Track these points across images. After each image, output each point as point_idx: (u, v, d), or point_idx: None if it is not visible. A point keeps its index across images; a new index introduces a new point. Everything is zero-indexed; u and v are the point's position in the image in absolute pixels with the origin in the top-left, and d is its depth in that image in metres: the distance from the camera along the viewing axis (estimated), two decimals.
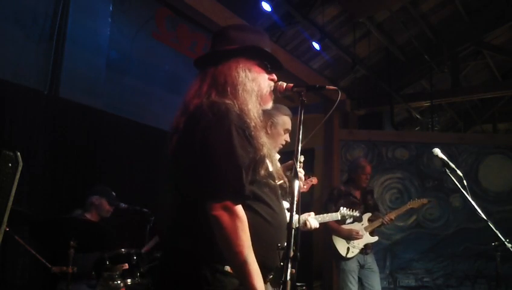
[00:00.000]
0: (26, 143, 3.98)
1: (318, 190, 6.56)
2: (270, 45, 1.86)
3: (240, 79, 1.68)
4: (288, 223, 1.48)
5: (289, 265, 1.41)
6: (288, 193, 2.05)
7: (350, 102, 7.50)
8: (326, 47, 6.78)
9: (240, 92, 1.66)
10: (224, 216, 1.47)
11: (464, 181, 2.79)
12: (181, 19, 5.50)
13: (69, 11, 4.53)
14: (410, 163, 6.85)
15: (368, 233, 4.74)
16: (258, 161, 1.60)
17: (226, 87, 1.66)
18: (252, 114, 1.63)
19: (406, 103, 8.27)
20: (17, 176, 1.76)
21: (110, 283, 3.26)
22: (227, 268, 1.53)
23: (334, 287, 5.87)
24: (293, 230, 1.46)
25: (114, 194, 3.94)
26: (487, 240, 3.02)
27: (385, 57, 7.95)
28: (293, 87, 1.78)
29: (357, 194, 4.92)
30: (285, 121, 2.78)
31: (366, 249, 4.73)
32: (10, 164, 1.75)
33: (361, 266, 4.74)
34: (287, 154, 2.59)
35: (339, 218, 3.81)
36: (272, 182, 1.69)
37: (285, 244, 1.45)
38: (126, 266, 3.43)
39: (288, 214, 1.51)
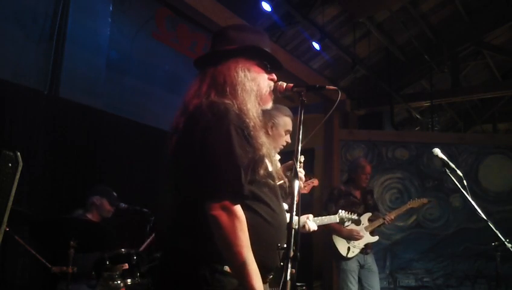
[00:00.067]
0: (26, 143, 3.97)
1: (318, 190, 6.55)
2: (270, 45, 1.86)
3: (239, 79, 1.68)
4: (288, 223, 1.48)
5: (289, 265, 1.41)
6: (288, 193, 2.06)
7: (350, 102, 7.50)
8: (326, 47, 6.78)
9: (239, 92, 1.66)
10: (223, 216, 1.47)
11: (464, 181, 2.79)
12: (181, 19, 5.50)
13: (69, 11, 4.53)
14: (410, 163, 6.86)
15: (368, 233, 4.74)
16: (257, 161, 1.60)
17: (225, 87, 1.66)
18: (251, 114, 1.63)
19: (406, 103, 8.27)
20: (17, 176, 1.76)
21: (110, 283, 3.26)
22: (227, 268, 1.52)
23: (334, 287, 5.87)
24: (293, 230, 1.46)
25: (115, 194, 3.95)
26: (487, 240, 3.02)
27: (385, 57, 7.95)
28: (293, 87, 1.78)
29: (357, 194, 4.92)
30: (286, 122, 2.78)
31: (366, 249, 4.73)
32: (10, 164, 1.75)
33: (361, 266, 4.74)
34: (287, 154, 2.59)
35: (338, 221, 3.81)
36: (272, 182, 1.68)
37: (285, 244, 1.45)
38: (126, 266, 3.42)
39: (288, 214, 1.51)
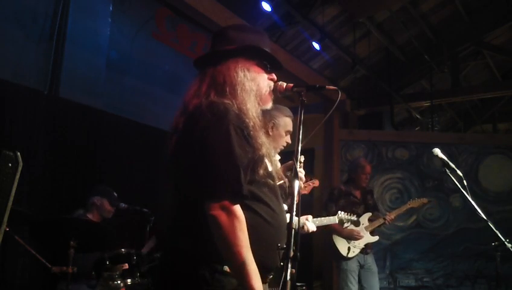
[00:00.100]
0: (26, 143, 3.97)
1: (318, 190, 6.54)
2: (269, 45, 1.86)
3: (239, 79, 1.69)
4: (288, 223, 1.48)
5: (289, 265, 1.41)
6: (288, 193, 2.06)
7: (350, 102, 7.50)
8: (326, 47, 6.78)
9: (239, 91, 1.66)
10: (222, 216, 1.47)
11: (464, 181, 2.79)
12: (181, 19, 5.50)
13: (69, 11, 4.53)
14: (410, 163, 6.86)
15: (368, 233, 4.75)
16: (257, 161, 1.60)
17: (225, 87, 1.66)
18: (250, 114, 1.63)
19: (406, 103, 8.27)
20: (17, 176, 1.76)
21: (110, 283, 3.26)
22: (226, 268, 1.52)
23: (334, 287, 5.87)
24: (293, 230, 1.46)
25: (116, 194, 3.95)
26: (487, 240, 3.02)
27: (385, 57, 7.95)
28: (293, 87, 1.78)
29: (357, 194, 4.93)
30: (286, 122, 2.79)
31: (366, 249, 4.74)
32: (10, 164, 1.74)
33: (361, 266, 4.75)
34: (287, 154, 2.59)
35: (337, 222, 3.81)
36: (271, 182, 1.68)
37: (285, 244, 1.45)
38: (126, 266, 3.43)
39: (288, 215, 1.51)
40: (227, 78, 1.68)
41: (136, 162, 4.96)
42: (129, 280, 3.34)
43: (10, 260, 3.76)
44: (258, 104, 1.73)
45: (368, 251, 4.77)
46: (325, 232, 4.76)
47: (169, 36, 5.60)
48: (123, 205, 3.96)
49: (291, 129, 2.79)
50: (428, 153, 4.26)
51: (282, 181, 1.91)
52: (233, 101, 1.62)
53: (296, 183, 1.55)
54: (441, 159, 2.89)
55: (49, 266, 3.17)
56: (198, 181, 1.53)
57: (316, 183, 3.15)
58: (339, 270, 4.75)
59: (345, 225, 4.35)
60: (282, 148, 2.80)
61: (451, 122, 11.14)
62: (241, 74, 1.70)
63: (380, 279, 4.92)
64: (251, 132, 1.59)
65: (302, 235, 2.81)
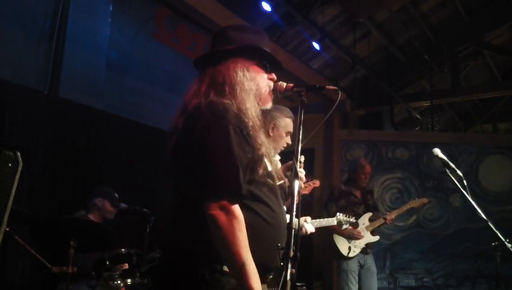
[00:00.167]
0: (26, 143, 3.97)
1: (318, 190, 6.54)
2: (269, 44, 1.86)
3: (238, 78, 1.69)
4: (288, 223, 1.48)
5: (289, 265, 1.41)
6: (288, 193, 2.06)
7: (350, 102, 7.50)
8: (326, 47, 6.78)
9: (238, 91, 1.66)
10: (221, 216, 1.47)
11: (464, 181, 2.79)
12: (181, 19, 5.50)
13: (69, 11, 4.52)
14: (410, 163, 6.86)
15: (369, 233, 4.75)
16: (256, 161, 1.60)
17: (224, 87, 1.66)
18: (250, 113, 1.63)
19: (406, 103, 8.27)
20: (17, 176, 1.76)
21: (110, 283, 3.26)
22: (226, 268, 1.53)
23: (334, 287, 5.87)
24: (293, 230, 1.46)
25: (117, 195, 3.95)
26: (487, 240, 3.02)
27: (385, 57, 7.94)
28: (293, 87, 1.78)
29: (358, 193, 4.93)
30: (287, 123, 2.78)
31: (367, 249, 4.74)
32: (10, 164, 1.74)
33: (361, 266, 4.75)
34: (287, 154, 2.59)
35: (335, 223, 3.81)
36: (271, 181, 1.68)
37: (285, 244, 1.45)
38: (126, 266, 3.43)
39: (288, 215, 1.51)
40: (227, 78, 1.68)
41: (136, 162, 4.96)
42: (129, 280, 3.34)
43: (10, 260, 3.75)
44: (258, 104, 1.73)
45: (369, 250, 4.77)
46: (326, 231, 4.76)
47: (169, 36, 5.60)
48: (123, 205, 3.96)
49: (291, 130, 2.79)
50: (428, 153, 4.26)
51: (282, 181, 1.91)
52: (233, 100, 1.62)
53: (296, 184, 1.55)
54: (441, 159, 2.89)
55: (49, 266, 3.17)
56: (198, 181, 1.53)
57: (317, 183, 3.15)
58: (339, 270, 4.75)
59: (344, 226, 4.34)
60: (283, 148, 2.80)
61: (451, 122, 11.14)
62: (240, 74, 1.70)
63: (380, 279, 4.93)
64: (250, 132, 1.59)
65: (302, 236, 2.81)
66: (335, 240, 4.73)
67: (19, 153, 1.77)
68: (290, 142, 2.78)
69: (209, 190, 1.51)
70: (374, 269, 4.82)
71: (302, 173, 2.54)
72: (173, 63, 5.69)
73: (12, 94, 3.96)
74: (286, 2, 5.50)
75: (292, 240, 1.44)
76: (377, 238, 4.80)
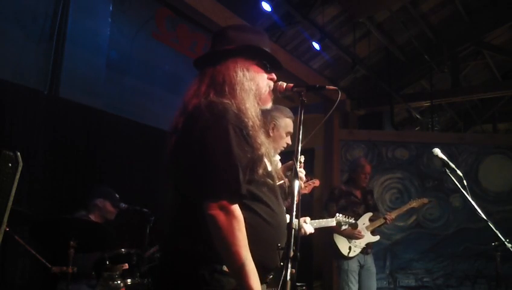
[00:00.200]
0: (26, 143, 3.97)
1: (318, 190, 6.54)
2: (269, 44, 1.86)
3: (238, 78, 1.69)
4: (288, 223, 1.48)
5: (289, 265, 1.41)
6: (288, 193, 2.05)
7: (350, 102, 7.51)
8: (326, 47, 6.78)
9: (238, 91, 1.66)
10: (220, 216, 1.47)
11: (464, 181, 2.78)
12: (181, 19, 5.50)
13: (69, 11, 4.52)
14: (410, 163, 6.86)
15: (369, 232, 4.76)
16: (256, 160, 1.60)
17: (224, 86, 1.66)
18: (250, 113, 1.63)
19: (406, 103, 8.27)
20: (17, 176, 1.76)
21: (110, 283, 3.26)
22: (226, 268, 1.52)
23: (334, 287, 5.87)
24: (293, 230, 1.46)
25: (117, 196, 3.95)
26: (487, 240, 3.02)
27: (385, 57, 7.94)
28: (293, 87, 1.78)
29: (358, 193, 4.94)
30: (287, 123, 2.78)
31: (367, 249, 4.74)
32: (10, 164, 1.74)
33: (361, 267, 4.75)
34: (287, 154, 2.59)
35: (335, 224, 3.80)
36: (271, 181, 1.68)
37: (285, 244, 1.45)
38: (126, 266, 3.43)
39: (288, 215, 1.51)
40: (227, 77, 1.68)
41: (136, 162, 4.96)
42: (129, 280, 3.33)
43: (10, 260, 3.75)
44: (258, 103, 1.73)
45: (369, 250, 4.77)
46: (326, 231, 4.76)
47: (169, 36, 5.60)
48: (123, 205, 3.96)
49: (291, 130, 2.79)
50: (428, 153, 4.26)
51: (282, 181, 1.91)
52: (233, 100, 1.62)
53: (296, 184, 1.55)
54: (441, 159, 2.89)
55: (49, 266, 3.17)
56: (197, 181, 1.53)
57: (317, 183, 3.14)
58: (340, 270, 4.75)
59: (343, 227, 4.34)
60: (283, 149, 2.79)
61: (451, 122, 11.14)
62: (240, 74, 1.70)
63: (380, 279, 4.94)
64: (250, 132, 1.59)
65: (301, 236, 2.81)
66: (335, 239, 4.73)
67: (19, 153, 1.77)
68: (290, 142, 2.77)
69: (208, 189, 1.51)
70: (373, 269, 4.82)
71: (302, 173, 2.54)
72: (173, 63, 5.69)
73: (12, 94, 3.96)
74: (286, 2, 5.50)
75: (292, 240, 1.44)
76: (377, 238, 4.81)
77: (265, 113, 1.85)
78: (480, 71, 9.49)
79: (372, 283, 4.77)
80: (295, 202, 1.50)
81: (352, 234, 4.65)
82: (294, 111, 2.20)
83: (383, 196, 6.70)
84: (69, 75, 4.51)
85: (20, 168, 1.76)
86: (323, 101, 6.49)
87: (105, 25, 4.93)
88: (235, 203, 1.51)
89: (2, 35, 4.09)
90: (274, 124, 2.74)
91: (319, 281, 6.55)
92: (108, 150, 4.71)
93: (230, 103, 1.61)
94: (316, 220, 3.44)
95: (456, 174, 2.81)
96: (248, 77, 1.71)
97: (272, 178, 1.70)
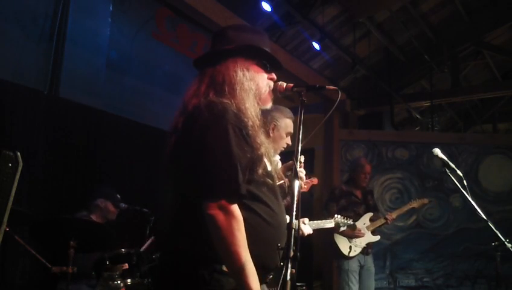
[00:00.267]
0: (26, 143, 3.97)
1: (318, 190, 6.56)
2: (269, 44, 1.86)
3: (238, 78, 1.68)
4: (288, 223, 1.48)
5: (289, 265, 1.41)
6: (288, 193, 2.05)
7: (350, 102, 7.51)
8: (326, 47, 6.78)
9: (238, 91, 1.66)
10: (219, 215, 1.47)
11: (464, 181, 2.79)
12: (181, 19, 5.49)
13: (69, 11, 4.52)
14: (410, 163, 6.86)
15: (369, 232, 4.76)
16: (256, 160, 1.60)
17: (224, 86, 1.66)
18: (249, 113, 1.63)
19: (406, 103, 8.27)
20: (17, 176, 1.76)
21: (110, 283, 3.26)
22: (225, 268, 1.52)
23: (334, 287, 5.87)
24: (293, 230, 1.46)
25: (119, 196, 3.96)
26: (487, 240, 3.02)
27: (385, 57, 7.95)
28: (293, 87, 1.78)
29: (358, 193, 4.94)
30: (287, 124, 2.78)
31: (367, 249, 4.75)
32: (10, 164, 1.74)
33: (361, 267, 4.76)
34: (287, 154, 2.59)
35: (333, 225, 3.80)
36: (270, 181, 1.68)
37: (285, 244, 1.45)
38: (126, 266, 3.43)
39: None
40: (226, 77, 1.68)
41: (136, 162, 4.96)
42: (129, 280, 3.33)
43: (10, 260, 3.75)
44: (258, 103, 1.72)
45: (369, 250, 4.78)
46: (326, 231, 4.76)
47: (169, 36, 5.60)
48: (123, 205, 3.97)
49: (292, 131, 2.78)
50: (428, 153, 4.26)
51: (282, 181, 1.91)
52: (232, 100, 1.62)
53: (296, 184, 1.55)
54: (441, 159, 2.89)
55: (49, 266, 3.17)
56: (197, 180, 1.53)
57: (315, 181, 3.14)
58: (340, 270, 4.75)
59: (342, 228, 4.34)
60: (283, 149, 2.79)
61: (451, 122, 11.14)
62: (240, 73, 1.70)
63: (380, 279, 4.94)
64: (250, 132, 1.59)
65: (301, 236, 2.81)
66: (336, 239, 4.73)
67: (19, 153, 1.77)
68: (290, 142, 2.77)
69: (208, 189, 1.51)
70: (373, 269, 4.84)
71: (302, 172, 2.54)
72: (173, 63, 5.69)
73: (12, 94, 3.96)
74: (286, 2, 5.51)
75: (292, 240, 1.44)
76: (377, 238, 4.81)
77: (265, 114, 1.85)
78: (480, 71, 9.49)
79: (372, 283, 4.79)
80: (295, 202, 1.50)
81: (352, 234, 4.66)
82: (294, 111, 2.20)
83: (383, 196, 6.70)
84: (69, 75, 4.51)
85: (20, 168, 1.76)
86: (323, 101, 6.49)
87: (105, 25, 4.93)
88: (235, 203, 1.51)
89: (2, 35, 4.09)
90: (274, 125, 2.74)
91: (319, 281, 6.55)
92: (108, 150, 4.71)
93: (230, 102, 1.61)
94: (315, 221, 3.44)
95: (456, 174, 2.81)
96: (248, 77, 1.71)
97: (272, 178, 1.70)
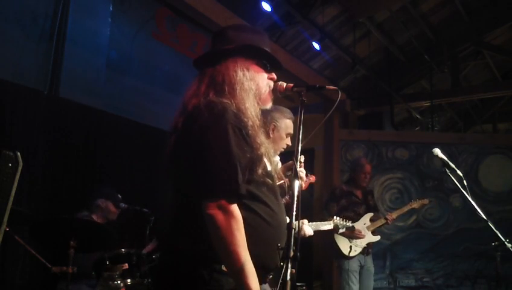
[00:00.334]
0: (26, 143, 3.97)
1: (318, 190, 6.56)
2: (269, 44, 1.86)
3: (238, 78, 1.68)
4: (288, 223, 1.48)
5: (289, 265, 1.41)
6: (288, 192, 2.05)
7: (350, 102, 7.50)
8: (326, 47, 6.78)
9: (238, 91, 1.66)
10: (219, 215, 1.47)
11: (464, 181, 2.78)
12: (181, 19, 5.49)
13: (69, 11, 4.52)
14: (410, 163, 6.86)
15: (370, 232, 4.76)
16: (255, 160, 1.59)
17: (224, 86, 1.66)
18: (249, 113, 1.63)
19: (406, 103, 8.27)
20: (17, 176, 1.76)
21: (110, 283, 3.26)
22: (225, 267, 1.52)
23: (334, 287, 5.87)
24: (293, 230, 1.46)
25: (120, 196, 3.96)
26: (487, 240, 3.02)
27: (385, 57, 7.95)
28: (293, 87, 1.78)
29: (359, 193, 4.94)
30: (288, 125, 2.77)
31: (367, 249, 4.75)
32: (10, 164, 1.74)
33: (362, 267, 4.76)
34: (287, 154, 2.59)
35: (332, 227, 3.79)
36: (270, 181, 1.68)
37: (285, 244, 1.45)
38: (126, 266, 3.43)
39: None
40: (226, 77, 1.68)
41: (136, 162, 4.96)
42: (129, 280, 3.34)
43: (10, 260, 3.75)
44: (258, 103, 1.72)
45: (369, 250, 4.79)
46: (326, 230, 4.76)
47: (169, 36, 5.59)
48: (123, 205, 3.97)
49: (292, 132, 2.78)
50: (428, 153, 4.26)
51: (282, 181, 1.91)
52: (232, 100, 1.62)
53: (296, 184, 1.55)
54: (441, 159, 2.89)
55: (49, 266, 3.17)
56: (196, 180, 1.53)
57: (313, 178, 3.13)
58: (340, 270, 4.76)
59: (340, 230, 4.34)
60: (282, 150, 2.79)
61: (451, 122, 11.14)
62: (240, 73, 1.69)
63: (380, 279, 4.95)
64: (249, 131, 1.59)
65: (301, 237, 2.81)
66: (336, 239, 4.73)
67: (19, 153, 1.77)
68: (290, 143, 2.77)
69: (207, 189, 1.51)
70: (372, 269, 4.85)
71: (302, 172, 2.54)
72: (173, 63, 5.69)
73: (12, 94, 3.96)
74: (286, 2, 5.51)
75: (292, 240, 1.44)
76: (378, 238, 4.82)
77: (265, 114, 1.85)
78: (480, 71, 9.49)
79: (371, 283, 4.81)
80: (295, 202, 1.50)
81: (353, 234, 4.66)
82: (294, 111, 2.20)
83: (383, 196, 6.70)
84: (69, 75, 4.51)
85: (20, 168, 1.76)
86: (323, 101, 6.49)
87: (105, 25, 4.93)
88: (234, 203, 1.51)
89: (2, 35, 4.09)
90: (274, 126, 2.73)
91: (319, 281, 6.55)
92: (108, 150, 4.72)
93: (229, 102, 1.60)
94: (314, 223, 3.43)
95: (456, 174, 2.81)
96: (248, 77, 1.71)
97: (272, 178, 1.69)
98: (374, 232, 4.79)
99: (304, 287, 4.68)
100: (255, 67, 1.76)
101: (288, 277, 1.39)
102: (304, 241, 1.65)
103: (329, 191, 5.37)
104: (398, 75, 8.15)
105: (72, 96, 4.49)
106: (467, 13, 7.38)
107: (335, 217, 3.89)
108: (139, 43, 5.29)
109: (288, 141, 2.77)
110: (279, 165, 2.64)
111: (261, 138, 1.63)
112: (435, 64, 7.95)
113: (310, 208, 6.57)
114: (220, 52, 1.76)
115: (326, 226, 3.67)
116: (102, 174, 4.63)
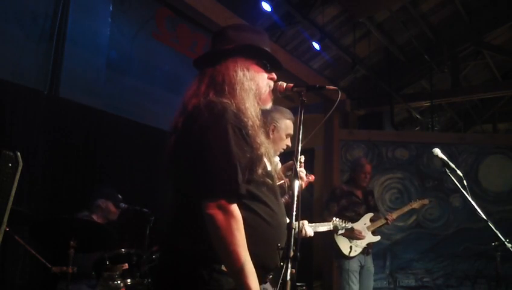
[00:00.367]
0: (26, 143, 3.97)
1: (318, 190, 6.56)
2: (269, 44, 1.86)
3: (238, 78, 1.68)
4: (288, 223, 1.48)
5: (289, 265, 1.41)
6: (287, 192, 2.05)
7: (350, 102, 7.50)
8: (326, 47, 6.78)
9: (238, 90, 1.66)
10: (218, 215, 1.47)
11: (464, 181, 2.78)
12: (181, 19, 5.49)
13: (69, 11, 4.52)
14: (410, 163, 6.86)
15: (370, 233, 4.77)
16: (255, 160, 1.59)
17: (224, 86, 1.66)
18: (249, 113, 1.63)
19: (406, 103, 8.27)
20: (17, 176, 1.76)
21: (110, 283, 3.26)
22: (224, 267, 1.52)
23: (334, 287, 5.87)
24: (293, 230, 1.46)
25: (120, 196, 3.96)
26: (487, 240, 3.02)
27: (385, 57, 7.95)
28: (293, 87, 1.78)
29: (359, 193, 4.94)
30: (288, 125, 2.77)
31: (368, 249, 4.75)
32: (10, 164, 1.74)
33: (362, 267, 4.77)
34: (287, 154, 2.59)
35: (331, 228, 3.79)
36: (270, 181, 1.68)
37: (285, 244, 1.45)
38: (126, 266, 3.43)
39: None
40: (226, 77, 1.68)
41: (136, 162, 4.96)
42: (129, 280, 3.33)
43: (10, 260, 3.75)
44: (258, 103, 1.72)
45: (370, 250, 4.79)
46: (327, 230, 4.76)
47: (169, 36, 5.59)
48: (123, 205, 3.97)
49: (292, 132, 2.77)
50: (428, 153, 4.26)
51: (282, 181, 1.91)
52: (232, 100, 1.62)
53: (296, 184, 1.55)
54: (441, 159, 2.89)
55: (49, 266, 3.17)
56: (196, 180, 1.53)
57: (312, 178, 3.13)
58: (340, 270, 4.76)
59: (340, 232, 4.34)
60: (282, 150, 2.79)
61: (451, 122, 11.14)
62: (240, 73, 1.69)
63: (380, 279, 4.95)
64: (249, 131, 1.59)
65: (301, 238, 2.81)
66: (336, 239, 4.73)
67: (19, 153, 1.77)
68: (289, 144, 2.76)
69: (207, 189, 1.51)
70: (372, 269, 4.86)
71: (303, 172, 2.54)
72: (173, 63, 5.69)
73: (12, 94, 3.96)
74: (286, 2, 5.51)
75: (292, 240, 1.44)
76: (378, 238, 4.82)
77: (265, 115, 1.85)
78: (480, 71, 9.49)
79: (371, 283, 4.81)
80: (295, 202, 1.50)
81: (353, 235, 4.66)
82: (294, 111, 2.19)
83: (383, 196, 6.70)
84: (69, 75, 4.51)
85: (20, 168, 1.76)
86: (323, 101, 6.49)
87: (105, 25, 4.92)
88: (234, 202, 1.51)
89: (2, 35, 4.09)
90: (274, 126, 2.73)
91: (319, 281, 6.55)
92: (108, 150, 4.71)
93: (229, 102, 1.60)
94: (313, 224, 3.43)
95: (456, 174, 2.81)
96: (248, 77, 1.71)
97: (272, 178, 1.69)
98: (374, 233, 4.80)
99: (304, 287, 4.68)
100: (255, 67, 1.76)
101: (288, 277, 1.39)
102: (304, 242, 1.66)
103: (329, 191, 5.37)
104: (398, 75, 8.15)
105: (72, 96, 4.49)
106: (467, 13, 7.38)
107: (334, 218, 3.88)
108: (139, 43, 5.29)
109: (288, 142, 2.77)
110: (279, 165, 2.64)
111: (261, 138, 1.63)
112: (435, 64, 7.95)
113: (310, 208, 6.57)
114: (220, 52, 1.76)
115: (325, 227, 3.67)
116: (102, 174, 4.63)
